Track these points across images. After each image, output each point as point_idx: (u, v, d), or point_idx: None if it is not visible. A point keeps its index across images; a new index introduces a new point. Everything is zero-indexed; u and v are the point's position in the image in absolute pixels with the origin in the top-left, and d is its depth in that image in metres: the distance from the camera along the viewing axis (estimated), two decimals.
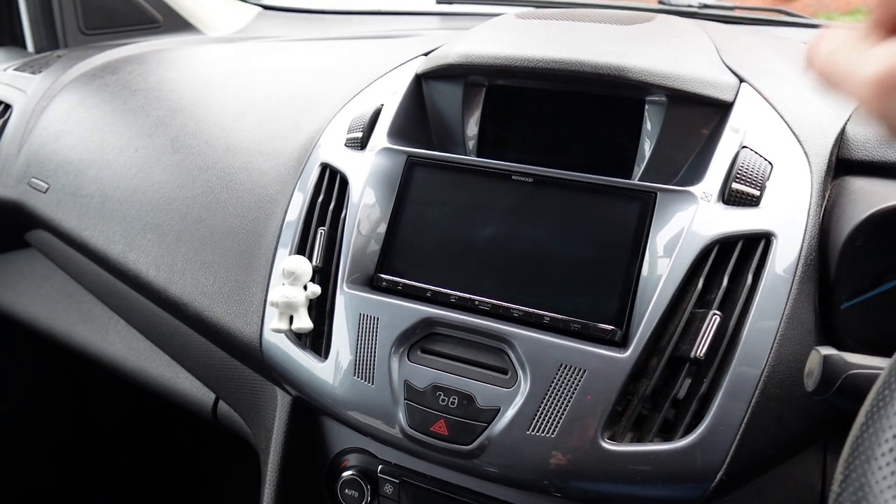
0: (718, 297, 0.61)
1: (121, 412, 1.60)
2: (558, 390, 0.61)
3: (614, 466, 0.59)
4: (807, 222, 0.62)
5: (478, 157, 0.79)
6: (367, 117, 0.79)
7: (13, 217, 1.14)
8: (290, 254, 0.76)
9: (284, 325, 0.72)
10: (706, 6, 1.23)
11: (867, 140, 0.68)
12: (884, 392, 0.33)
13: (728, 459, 0.58)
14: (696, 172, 0.67)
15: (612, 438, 0.60)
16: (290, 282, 0.71)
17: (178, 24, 1.54)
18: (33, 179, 1.10)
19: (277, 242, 0.78)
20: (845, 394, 0.47)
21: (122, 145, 1.02)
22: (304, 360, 0.72)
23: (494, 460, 0.62)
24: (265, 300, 0.77)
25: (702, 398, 0.59)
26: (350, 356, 0.69)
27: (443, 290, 0.68)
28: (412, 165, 0.74)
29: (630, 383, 0.60)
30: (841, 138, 0.69)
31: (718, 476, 0.58)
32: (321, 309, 0.73)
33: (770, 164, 0.65)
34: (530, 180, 0.69)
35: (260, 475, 0.84)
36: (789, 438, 0.60)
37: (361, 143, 0.78)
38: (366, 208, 0.74)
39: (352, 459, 0.78)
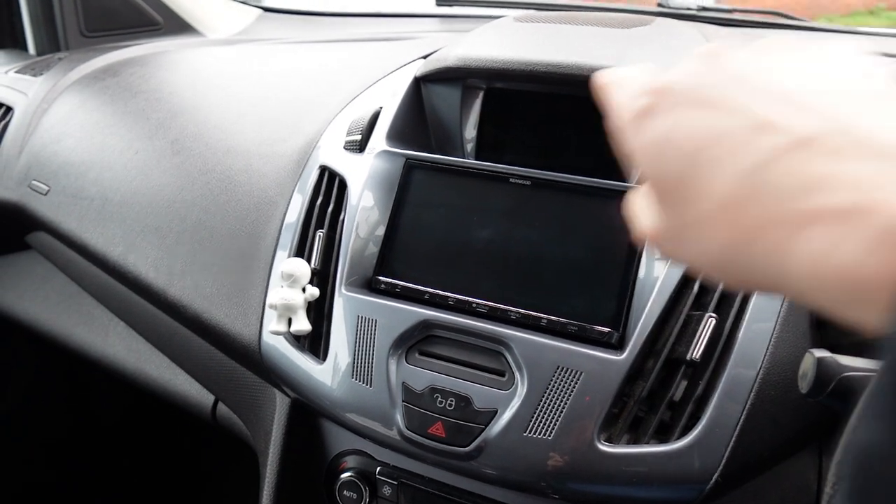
0: (714, 299, 0.61)
1: (120, 413, 1.60)
2: (555, 392, 0.61)
3: (611, 468, 0.60)
4: None
5: (476, 159, 0.79)
6: (365, 120, 0.80)
7: (14, 219, 1.14)
8: (288, 256, 0.77)
9: (283, 328, 0.72)
10: (705, 9, 1.23)
11: None
12: None
13: (724, 461, 0.58)
14: None
15: (609, 440, 0.60)
16: (289, 284, 0.72)
17: (178, 26, 1.54)
18: (34, 182, 1.10)
19: (276, 245, 0.79)
20: (839, 396, 0.47)
21: (123, 147, 1.02)
22: (302, 362, 0.73)
23: (491, 462, 0.63)
24: (264, 302, 0.77)
25: (698, 400, 0.60)
26: (348, 358, 0.69)
27: (441, 292, 0.69)
28: (410, 168, 0.75)
29: (626, 385, 0.61)
30: None
31: (714, 477, 0.58)
32: (320, 311, 0.73)
33: None
34: (528, 183, 0.70)
35: (259, 477, 0.84)
36: (785, 440, 0.60)
37: (360, 146, 0.78)
38: (364, 211, 0.74)
39: (350, 461, 0.79)
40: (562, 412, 0.61)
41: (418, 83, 0.83)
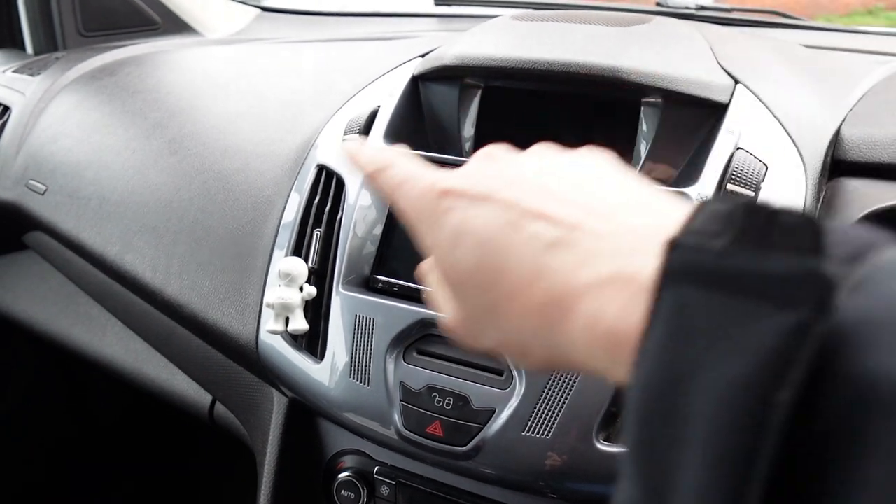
0: None
1: (118, 413, 1.60)
2: (553, 391, 0.61)
3: (609, 467, 0.59)
4: None
5: None
6: (363, 119, 0.80)
7: (11, 219, 1.14)
8: (286, 255, 0.76)
9: (280, 327, 0.72)
10: (703, 8, 1.23)
11: (862, 141, 0.68)
12: None
13: None
14: (691, 174, 0.67)
15: (608, 440, 0.60)
16: (286, 283, 0.72)
17: (176, 25, 1.54)
18: (31, 181, 1.10)
19: (274, 244, 0.78)
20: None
21: (120, 147, 1.02)
22: (299, 361, 0.73)
23: (490, 461, 0.63)
24: (261, 302, 0.77)
25: None
26: (346, 357, 0.69)
27: None
28: None
29: None
30: (835, 140, 0.69)
31: None
32: (317, 310, 0.73)
33: (765, 165, 0.65)
34: None
35: (256, 476, 0.84)
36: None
37: None
38: (362, 210, 0.74)
39: (348, 461, 0.79)
40: (560, 411, 0.60)
41: (416, 82, 0.83)
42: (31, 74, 1.29)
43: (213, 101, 1.04)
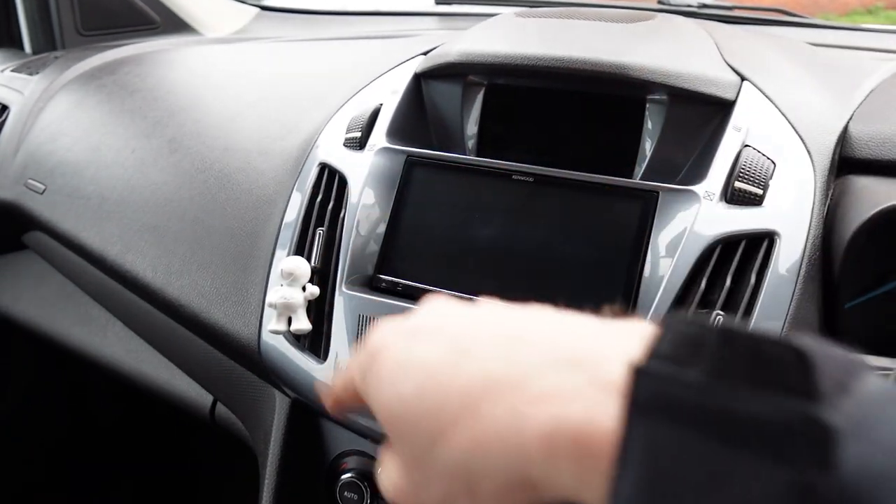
0: (722, 297, 0.60)
1: (119, 414, 1.59)
2: None
3: None
4: (810, 221, 0.61)
5: (477, 156, 0.78)
6: (365, 117, 0.79)
7: (10, 219, 1.13)
8: (288, 254, 0.76)
9: (283, 327, 0.71)
10: (705, 6, 1.22)
11: (870, 139, 0.67)
12: None
13: None
14: (697, 171, 0.67)
15: None
16: (289, 283, 0.71)
17: (175, 24, 1.53)
18: (30, 181, 1.09)
19: (276, 243, 0.78)
20: None
21: (120, 146, 1.01)
22: (302, 361, 0.72)
23: None
24: (263, 301, 0.76)
25: None
26: (349, 357, 0.68)
27: (443, 290, 0.68)
28: (411, 165, 0.74)
29: None
30: (843, 137, 0.68)
31: None
32: (320, 310, 0.72)
33: (773, 162, 0.64)
34: (531, 180, 0.69)
35: (258, 477, 0.83)
36: None
37: (360, 143, 0.77)
38: (365, 208, 0.73)
39: (351, 462, 0.78)
40: None
41: (418, 80, 0.82)
42: (30, 73, 1.28)
43: (213, 99, 1.03)
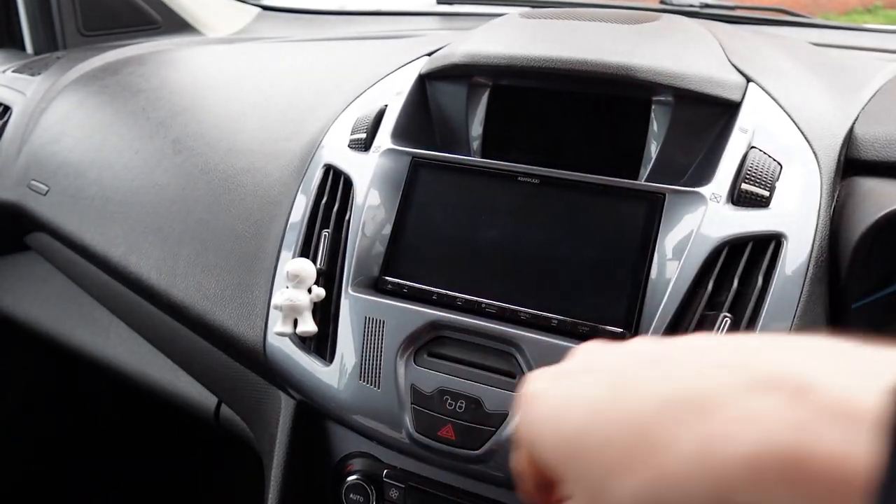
0: (729, 299, 0.60)
1: (122, 416, 1.59)
2: None
3: None
4: (817, 223, 0.61)
5: (482, 157, 0.78)
6: (370, 118, 0.79)
7: (13, 220, 1.13)
8: (293, 256, 0.76)
9: (288, 329, 0.71)
10: (707, 6, 1.22)
11: (876, 140, 0.67)
12: None
13: None
14: (703, 173, 0.67)
15: None
16: (294, 285, 0.71)
17: (177, 25, 1.53)
18: (33, 182, 1.09)
19: (281, 245, 0.78)
20: None
21: (123, 147, 1.01)
22: (308, 363, 0.72)
23: (503, 465, 0.62)
24: (269, 303, 0.76)
25: None
26: (355, 360, 0.68)
27: (449, 292, 0.68)
28: (417, 166, 0.74)
29: None
30: (849, 138, 0.68)
31: None
32: (326, 312, 0.72)
33: (779, 164, 0.64)
34: (536, 181, 0.69)
35: (263, 479, 0.83)
36: None
37: (365, 145, 0.77)
38: (370, 210, 0.73)
39: (357, 464, 0.78)
40: None
41: (423, 81, 0.82)
42: (32, 74, 1.28)
43: (216, 100, 1.03)
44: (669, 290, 0.61)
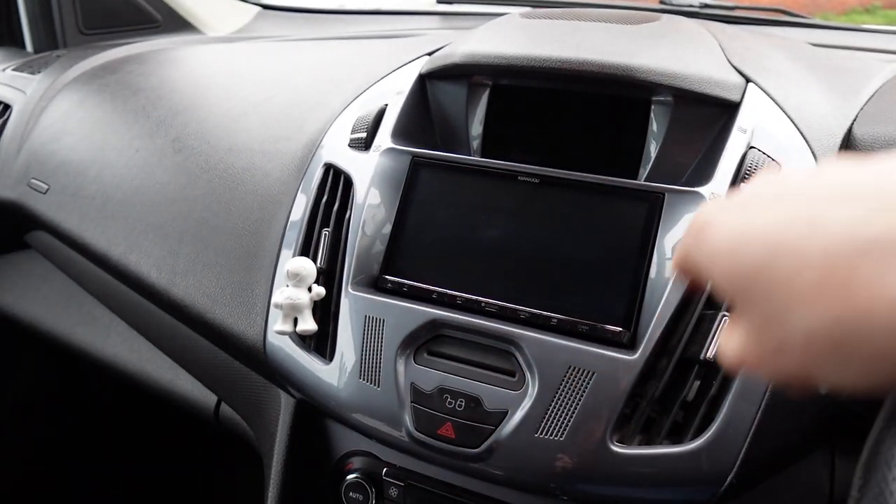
0: None
1: (122, 415, 1.59)
2: (567, 393, 0.60)
3: (623, 469, 0.59)
4: None
5: (482, 157, 0.78)
6: (371, 117, 0.79)
7: (13, 218, 1.13)
8: (294, 255, 0.76)
9: (288, 328, 0.71)
10: (707, 6, 1.22)
11: (874, 140, 0.67)
12: None
13: (738, 462, 0.58)
14: (703, 173, 0.67)
15: (621, 441, 0.60)
16: (295, 283, 0.71)
17: (177, 23, 1.53)
18: (33, 180, 1.09)
19: (281, 244, 0.78)
20: (861, 396, 0.47)
21: (123, 146, 1.01)
22: (308, 362, 0.72)
23: (502, 463, 0.62)
24: (269, 302, 0.76)
25: (711, 400, 0.59)
26: (355, 358, 0.68)
27: (449, 291, 0.68)
28: (417, 166, 0.74)
29: (639, 385, 0.60)
30: (848, 138, 0.68)
31: (728, 479, 0.58)
32: (326, 311, 0.73)
33: (778, 164, 0.65)
34: (536, 181, 0.69)
35: (263, 478, 0.84)
36: (800, 440, 0.60)
37: (366, 144, 0.77)
38: (370, 209, 0.73)
39: (356, 462, 0.78)
40: (574, 413, 0.60)
41: (423, 80, 0.82)
42: (32, 73, 1.28)
43: (216, 99, 1.03)
44: (668, 288, 0.61)
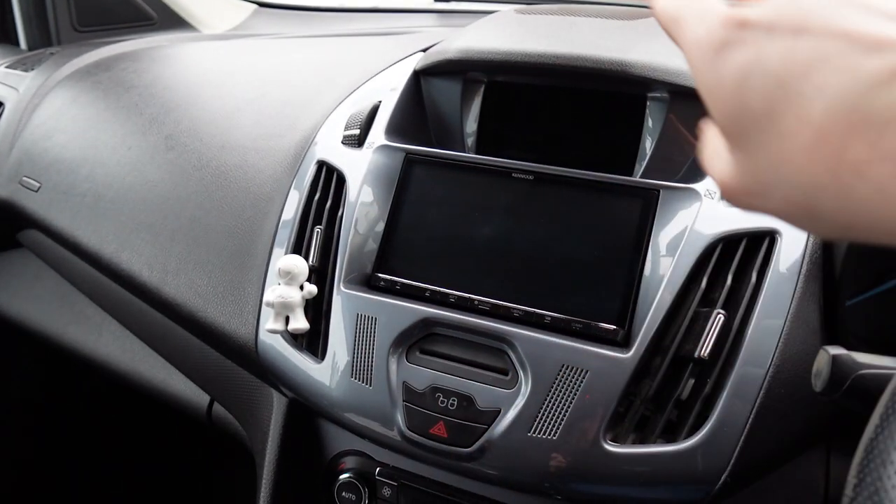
0: (722, 295, 0.60)
1: (114, 414, 1.58)
2: (560, 391, 0.60)
3: (617, 468, 0.58)
4: None
5: (477, 154, 0.77)
6: (364, 114, 0.78)
7: (4, 217, 1.12)
8: (286, 253, 0.75)
9: (280, 326, 0.71)
10: None
11: None
12: None
13: (732, 461, 0.57)
14: (698, 169, 0.66)
15: (615, 440, 0.59)
16: (286, 281, 0.70)
17: (172, 21, 1.53)
18: (25, 178, 1.08)
19: (273, 241, 0.77)
20: (855, 394, 0.46)
21: (116, 143, 1.01)
22: (300, 361, 0.71)
23: (495, 463, 0.61)
24: (261, 300, 0.76)
25: (706, 399, 0.58)
26: (347, 357, 0.68)
27: (442, 289, 0.67)
28: (410, 163, 0.73)
29: (633, 384, 0.59)
30: None
31: (723, 478, 0.57)
32: (318, 309, 0.72)
33: None
34: (531, 178, 0.68)
35: (256, 478, 0.83)
36: (794, 439, 0.59)
37: (359, 141, 0.77)
38: (363, 207, 0.72)
39: (349, 462, 0.77)
40: (567, 411, 0.59)
41: (418, 77, 0.82)
42: (25, 70, 1.27)
43: (210, 96, 1.02)
44: (663, 286, 0.60)
